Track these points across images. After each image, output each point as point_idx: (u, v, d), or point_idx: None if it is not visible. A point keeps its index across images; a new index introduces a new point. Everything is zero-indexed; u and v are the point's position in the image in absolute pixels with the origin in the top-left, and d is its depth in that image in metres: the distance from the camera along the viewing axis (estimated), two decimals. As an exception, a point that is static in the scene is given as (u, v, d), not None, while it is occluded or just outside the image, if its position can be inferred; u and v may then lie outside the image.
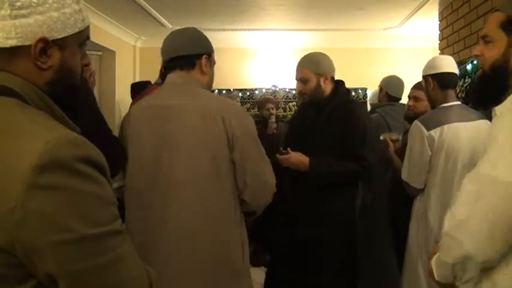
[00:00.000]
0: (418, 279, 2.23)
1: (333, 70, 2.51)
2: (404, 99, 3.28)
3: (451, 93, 2.26)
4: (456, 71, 2.31)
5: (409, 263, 2.33)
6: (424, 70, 2.36)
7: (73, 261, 0.73)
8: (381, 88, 3.34)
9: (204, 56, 1.67)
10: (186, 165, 1.54)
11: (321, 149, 2.32)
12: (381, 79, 3.43)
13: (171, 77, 1.67)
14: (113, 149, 1.70)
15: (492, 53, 1.19)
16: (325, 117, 2.43)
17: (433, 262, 1.18)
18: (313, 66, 2.48)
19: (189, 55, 1.65)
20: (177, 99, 1.60)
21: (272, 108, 4.30)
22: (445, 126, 2.13)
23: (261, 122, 4.19)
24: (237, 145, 1.56)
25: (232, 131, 1.56)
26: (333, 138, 2.31)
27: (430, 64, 2.34)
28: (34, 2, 0.82)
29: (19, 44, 0.81)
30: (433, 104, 2.34)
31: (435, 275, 1.17)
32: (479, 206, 1.02)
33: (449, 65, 2.29)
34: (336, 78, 2.59)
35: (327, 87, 2.47)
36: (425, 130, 2.15)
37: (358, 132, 2.31)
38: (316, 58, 2.51)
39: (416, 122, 2.23)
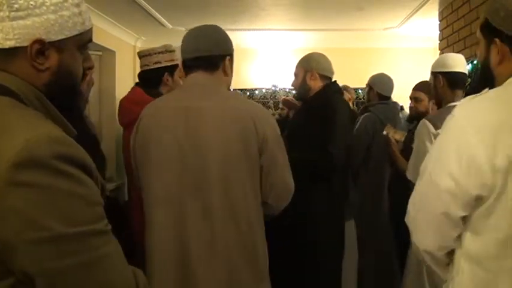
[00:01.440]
0: (421, 279, 2.23)
1: (325, 69, 2.52)
2: (403, 99, 3.29)
3: (459, 93, 2.26)
4: (466, 71, 2.31)
5: (412, 262, 2.33)
6: (434, 66, 2.35)
7: (49, 259, 0.72)
8: (370, 87, 3.32)
9: (227, 57, 1.66)
10: (216, 167, 1.52)
11: (302, 144, 2.32)
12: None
13: (194, 77, 1.63)
14: (89, 144, 1.71)
15: (480, 55, 1.22)
16: (306, 112, 2.45)
17: None
18: (303, 61, 2.56)
19: (215, 55, 1.63)
20: (205, 100, 1.57)
21: (282, 109, 4.29)
22: None
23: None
24: (266, 149, 1.56)
25: (263, 134, 1.55)
26: (311, 133, 2.34)
27: (442, 62, 2.32)
28: (31, 5, 0.83)
29: (17, 45, 0.82)
30: (439, 102, 2.34)
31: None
32: (419, 201, 1.14)
33: (461, 64, 2.29)
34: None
35: (314, 84, 2.49)
36: (433, 129, 2.16)
37: (329, 125, 2.30)
38: (309, 55, 2.56)
39: (424, 121, 2.23)
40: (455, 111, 1.11)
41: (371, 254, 3.12)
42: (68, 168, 0.74)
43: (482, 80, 1.23)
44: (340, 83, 4.14)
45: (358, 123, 3.17)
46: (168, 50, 2.45)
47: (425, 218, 1.12)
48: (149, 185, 1.59)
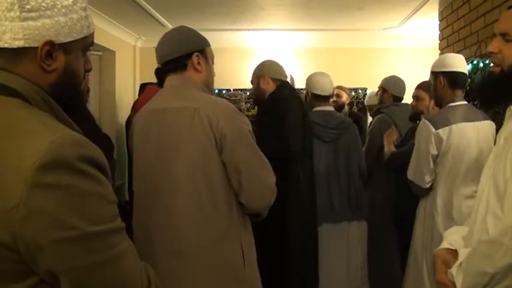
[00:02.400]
0: (422, 279, 2.23)
1: (276, 72, 2.68)
2: (406, 99, 3.30)
3: (459, 93, 2.26)
4: (466, 71, 2.31)
5: (413, 263, 2.33)
6: (434, 66, 2.35)
7: (75, 258, 0.74)
8: (384, 89, 3.33)
9: (194, 55, 1.65)
10: (180, 168, 1.54)
11: (263, 141, 2.38)
12: (381, 79, 3.43)
13: (168, 79, 1.68)
14: (103, 146, 1.74)
15: (508, 56, 1.14)
16: (262, 113, 2.64)
17: (456, 271, 1.09)
18: (256, 69, 2.73)
19: (178, 57, 1.64)
20: (172, 102, 1.61)
21: None
22: (453, 126, 2.14)
23: None
24: (225, 145, 1.53)
25: (220, 131, 1.53)
26: (268, 129, 2.45)
27: (443, 62, 2.32)
28: (43, 6, 0.84)
29: (26, 45, 0.84)
30: (439, 102, 2.34)
31: (459, 286, 1.07)
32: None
33: (461, 64, 2.29)
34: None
35: (268, 87, 2.63)
36: (433, 129, 2.16)
37: (282, 117, 2.43)
38: (262, 63, 2.74)
39: (424, 121, 2.23)
40: None
41: (371, 254, 3.12)
42: (89, 169, 0.77)
43: (509, 80, 1.15)
44: (340, 83, 4.17)
45: (372, 125, 3.18)
46: None
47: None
48: (133, 189, 1.69)
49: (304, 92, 3.09)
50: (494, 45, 1.19)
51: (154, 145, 1.59)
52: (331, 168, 2.80)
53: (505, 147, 1.11)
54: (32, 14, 0.83)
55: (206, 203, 1.53)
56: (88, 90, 1.82)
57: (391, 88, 3.27)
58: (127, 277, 0.80)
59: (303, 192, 2.54)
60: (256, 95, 2.71)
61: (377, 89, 3.55)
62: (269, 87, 2.63)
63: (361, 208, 2.90)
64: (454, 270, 1.09)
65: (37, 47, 0.84)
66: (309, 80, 2.95)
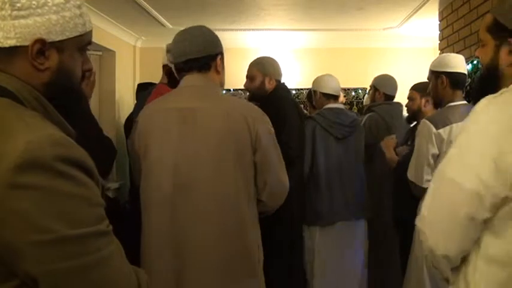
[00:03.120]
0: (423, 280, 2.23)
1: (280, 74, 2.73)
2: (402, 99, 3.29)
3: (459, 93, 2.27)
4: (466, 71, 2.32)
5: (414, 264, 2.33)
6: (435, 66, 2.34)
7: (52, 261, 0.72)
8: (375, 88, 3.32)
9: (218, 57, 1.68)
10: (211, 168, 1.55)
11: None
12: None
13: (189, 79, 1.65)
14: (105, 149, 1.73)
15: (485, 56, 1.19)
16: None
17: None
18: (260, 66, 2.75)
19: (206, 56, 1.64)
20: (199, 102, 1.60)
21: None
22: (454, 125, 2.14)
23: None
24: (260, 147, 1.60)
25: (256, 133, 1.59)
26: None
27: (445, 62, 2.32)
28: (34, 4, 0.83)
29: (18, 44, 0.83)
30: (439, 102, 2.35)
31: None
32: (436, 203, 1.09)
33: (462, 65, 2.31)
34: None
35: (271, 88, 2.68)
36: (434, 128, 2.16)
37: (281, 121, 2.44)
38: (264, 60, 2.77)
39: (424, 121, 2.23)
40: (478, 112, 1.06)
41: (372, 253, 3.12)
42: (69, 169, 0.74)
43: (486, 81, 1.21)
44: (340, 83, 4.17)
45: (362, 123, 3.18)
46: None
47: (446, 221, 1.07)
48: (146, 186, 1.63)
49: (306, 92, 3.10)
50: (477, 51, 1.28)
51: (182, 144, 1.57)
52: (343, 166, 2.81)
53: None
54: (23, 12, 0.82)
55: (234, 203, 1.57)
56: (93, 86, 1.79)
57: (382, 86, 3.27)
58: (112, 282, 0.78)
59: (291, 192, 2.53)
60: (259, 93, 2.71)
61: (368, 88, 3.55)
62: (272, 87, 2.68)
63: (366, 207, 2.92)
64: None
65: (28, 46, 0.83)
66: (319, 81, 2.97)
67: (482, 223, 1.03)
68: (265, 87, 2.69)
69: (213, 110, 1.58)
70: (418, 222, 1.14)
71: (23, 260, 0.71)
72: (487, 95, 1.10)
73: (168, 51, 2.48)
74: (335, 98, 2.93)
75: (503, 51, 1.12)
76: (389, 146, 2.81)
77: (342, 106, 2.97)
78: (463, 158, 1.06)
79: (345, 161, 2.83)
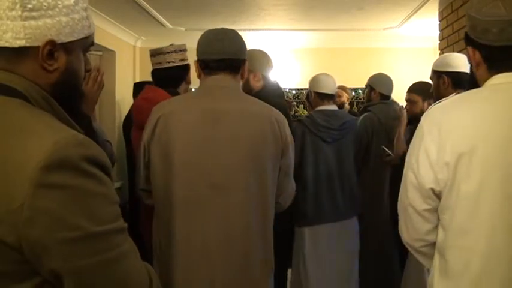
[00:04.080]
0: (422, 279, 2.23)
1: (265, 68, 2.44)
2: (402, 99, 3.29)
3: (461, 92, 2.26)
4: (468, 71, 2.32)
5: (413, 262, 2.33)
6: (437, 65, 2.34)
7: (79, 258, 0.75)
8: (371, 87, 3.31)
9: (245, 61, 1.71)
10: (242, 166, 1.56)
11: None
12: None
13: (216, 79, 1.63)
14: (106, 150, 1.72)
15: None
16: None
17: None
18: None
19: (239, 59, 1.66)
20: (230, 103, 1.61)
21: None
22: None
23: None
24: (287, 152, 1.65)
25: (285, 138, 1.63)
26: None
27: (447, 62, 2.32)
28: (45, 6, 0.84)
29: (27, 44, 0.84)
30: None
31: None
32: (400, 195, 1.26)
33: (464, 64, 2.29)
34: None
35: (257, 86, 2.39)
36: None
37: None
38: (252, 54, 2.40)
39: None
40: (425, 113, 1.25)
41: (371, 253, 3.12)
42: (92, 169, 0.77)
43: (470, 83, 1.37)
44: (340, 83, 4.17)
45: (358, 123, 3.17)
46: (181, 49, 2.37)
47: (400, 210, 1.26)
48: (170, 185, 1.57)
49: (306, 92, 3.08)
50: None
51: (213, 145, 1.55)
52: (333, 169, 2.81)
53: None
54: (34, 14, 0.83)
55: (262, 204, 1.60)
56: (102, 86, 1.77)
57: (377, 86, 3.25)
58: (130, 276, 0.81)
59: None
60: (244, 90, 2.52)
61: (363, 87, 3.53)
62: (259, 85, 2.38)
63: (358, 204, 2.92)
64: None
65: (38, 47, 0.84)
66: (313, 80, 2.94)
67: (428, 215, 1.19)
68: (250, 85, 2.36)
69: (246, 112, 1.59)
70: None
71: (50, 257, 0.73)
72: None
73: (153, 55, 2.40)
74: (330, 97, 2.89)
75: (471, 57, 1.27)
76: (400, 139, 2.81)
77: (334, 108, 2.93)
78: (409, 153, 1.25)
79: (335, 164, 2.81)
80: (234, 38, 1.67)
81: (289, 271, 2.99)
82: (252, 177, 1.56)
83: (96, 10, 4.22)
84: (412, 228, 1.21)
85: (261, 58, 2.47)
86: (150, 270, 0.87)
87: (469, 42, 1.23)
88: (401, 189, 1.24)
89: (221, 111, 1.57)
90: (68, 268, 0.74)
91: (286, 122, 1.69)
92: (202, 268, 1.54)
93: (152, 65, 2.39)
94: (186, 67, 2.38)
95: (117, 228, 0.80)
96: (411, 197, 1.19)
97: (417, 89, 2.80)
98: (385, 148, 2.95)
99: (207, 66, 1.64)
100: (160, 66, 2.34)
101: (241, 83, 1.73)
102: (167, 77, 2.32)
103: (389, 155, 2.92)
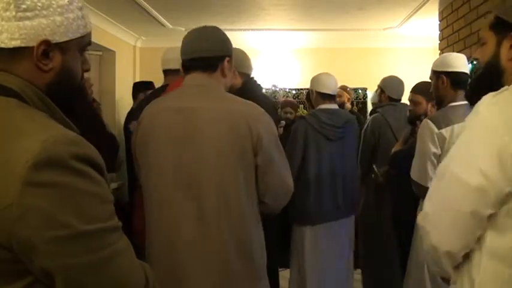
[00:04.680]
0: (423, 280, 2.23)
1: (246, 66, 2.41)
2: (404, 99, 3.29)
3: (461, 93, 2.26)
4: (468, 71, 2.31)
5: (414, 263, 2.33)
6: (436, 65, 2.34)
7: (69, 257, 0.74)
8: (381, 90, 3.33)
9: (226, 59, 1.65)
10: (210, 167, 1.53)
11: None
12: (380, 79, 3.42)
13: (191, 78, 1.63)
14: (109, 144, 1.73)
15: (486, 54, 1.22)
16: None
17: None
18: None
19: (213, 57, 1.62)
20: (201, 101, 1.58)
21: (290, 113, 4.12)
22: (456, 126, 2.14)
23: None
24: (261, 149, 1.56)
25: (257, 134, 1.55)
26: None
27: (446, 61, 2.31)
28: (39, 6, 0.84)
29: (22, 45, 0.84)
30: (440, 102, 2.34)
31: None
32: (440, 200, 1.10)
33: (464, 64, 2.29)
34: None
35: (235, 83, 2.30)
36: (435, 128, 2.16)
37: None
38: None
39: (426, 121, 2.23)
40: (481, 109, 1.07)
41: (372, 253, 3.12)
42: (83, 167, 0.76)
43: (484, 78, 1.24)
44: (340, 83, 4.17)
45: (366, 124, 3.19)
46: None
47: (450, 218, 1.08)
48: (147, 185, 1.62)
49: (306, 92, 3.08)
50: (476, 52, 1.30)
51: (183, 144, 1.55)
52: (336, 167, 2.81)
53: None
54: (28, 14, 0.83)
55: (235, 203, 1.55)
56: (90, 89, 1.79)
57: (387, 89, 3.26)
58: (124, 276, 0.80)
59: None
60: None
61: (376, 88, 3.55)
62: (236, 83, 2.32)
63: (355, 206, 2.94)
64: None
65: (33, 47, 0.84)
66: (315, 79, 2.95)
67: (486, 219, 1.04)
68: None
69: (215, 110, 1.56)
70: (421, 219, 1.14)
71: (40, 256, 0.73)
72: (485, 92, 1.11)
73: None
74: (331, 97, 2.91)
75: (505, 46, 1.15)
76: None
77: (335, 107, 2.95)
78: (466, 154, 1.06)
79: (337, 162, 2.82)
80: (208, 36, 1.64)
81: (288, 270, 3.00)
82: (222, 175, 1.53)
83: (96, 10, 4.22)
84: (466, 235, 1.07)
85: (237, 55, 2.38)
86: (146, 269, 0.87)
87: (504, 28, 1.13)
88: (450, 196, 1.08)
89: (191, 109, 1.56)
90: (58, 267, 0.74)
91: (263, 117, 1.62)
92: (173, 270, 1.53)
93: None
94: None
95: (110, 227, 0.79)
96: (476, 203, 1.02)
97: (421, 90, 2.79)
98: (375, 168, 2.99)
99: (183, 66, 1.66)
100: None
101: (225, 80, 1.67)
102: None
103: (376, 175, 2.95)
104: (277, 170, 1.62)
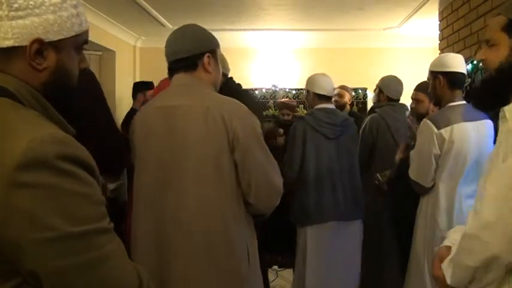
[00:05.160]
0: (423, 279, 2.22)
1: (224, 68, 2.32)
2: (404, 99, 3.29)
3: (459, 92, 2.26)
4: (465, 71, 2.31)
5: (414, 263, 2.33)
6: (433, 66, 2.34)
7: (55, 258, 0.73)
8: (380, 89, 3.32)
9: (206, 55, 1.63)
10: (189, 166, 1.53)
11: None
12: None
13: (176, 78, 1.66)
14: (120, 145, 1.75)
15: (497, 56, 1.20)
16: None
17: (445, 266, 1.14)
18: None
19: (190, 56, 1.62)
20: (181, 100, 1.59)
21: (288, 114, 4.13)
22: (455, 126, 2.14)
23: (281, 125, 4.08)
24: (238, 146, 1.53)
25: (233, 131, 1.52)
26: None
27: (442, 62, 2.31)
28: (31, 4, 0.83)
29: (15, 44, 0.83)
30: (438, 102, 2.34)
31: (448, 280, 1.12)
32: (507, 208, 1.02)
33: (460, 64, 2.29)
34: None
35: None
36: (435, 128, 2.16)
37: None
38: None
39: (425, 121, 2.23)
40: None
41: (372, 254, 3.12)
42: (71, 167, 0.74)
43: (497, 81, 1.21)
44: (340, 83, 4.17)
45: (364, 124, 3.18)
46: None
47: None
48: (134, 185, 1.65)
49: (305, 92, 3.07)
50: (481, 53, 1.27)
51: (163, 142, 1.57)
52: (334, 166, 2.81)
53: (495, 150, 1.13)
54: (20, 13, 0.82)
55: (214, 202, 1.53)
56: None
57: (386, 89, 3.25)
58: (114, 278, 0.78)
59: None
60: None
61: (374, 87, 3.54)
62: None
63: (362, 207, 2.91)
64: (445, 264, 1.16)
65: (26, 46, 0.83)
66: (311, 80, 2.95)
67: None
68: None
69: (193, 107, 1.56)
70: (477, 228, 1.06)
71: (26, 257, 0.72)
72: (498, 95, 1.10)
73: None
74: (327, 98, 2.92)
75: None
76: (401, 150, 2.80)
77: (332, 106, 2.96)
78: None
79: (337, 161, 2.82)
80: (186, 35, 1.65)
81: (290, 271, 2.99)
82: (200, 174, 1.52)
83: (96, 10, 4.22)
84: None
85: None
86: (140, 271, 0.85)
87: None
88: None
89: (171, 108, 1.58)
90: (44, 269, 0.72)
91: (241, 114, 1.58)
92: (154, 264, 1.53)
93: None
94: None
95: (100, 229, 0.77)
96: None
97: (424, 89, 2.79)
98: (378, 176, 2.98)
99: (168, 68, 1.68)
100: None
101: (209, 76, 1.65)
102: None
103: (379, 181, 2.95)
104: (261, 170, 1.57)
